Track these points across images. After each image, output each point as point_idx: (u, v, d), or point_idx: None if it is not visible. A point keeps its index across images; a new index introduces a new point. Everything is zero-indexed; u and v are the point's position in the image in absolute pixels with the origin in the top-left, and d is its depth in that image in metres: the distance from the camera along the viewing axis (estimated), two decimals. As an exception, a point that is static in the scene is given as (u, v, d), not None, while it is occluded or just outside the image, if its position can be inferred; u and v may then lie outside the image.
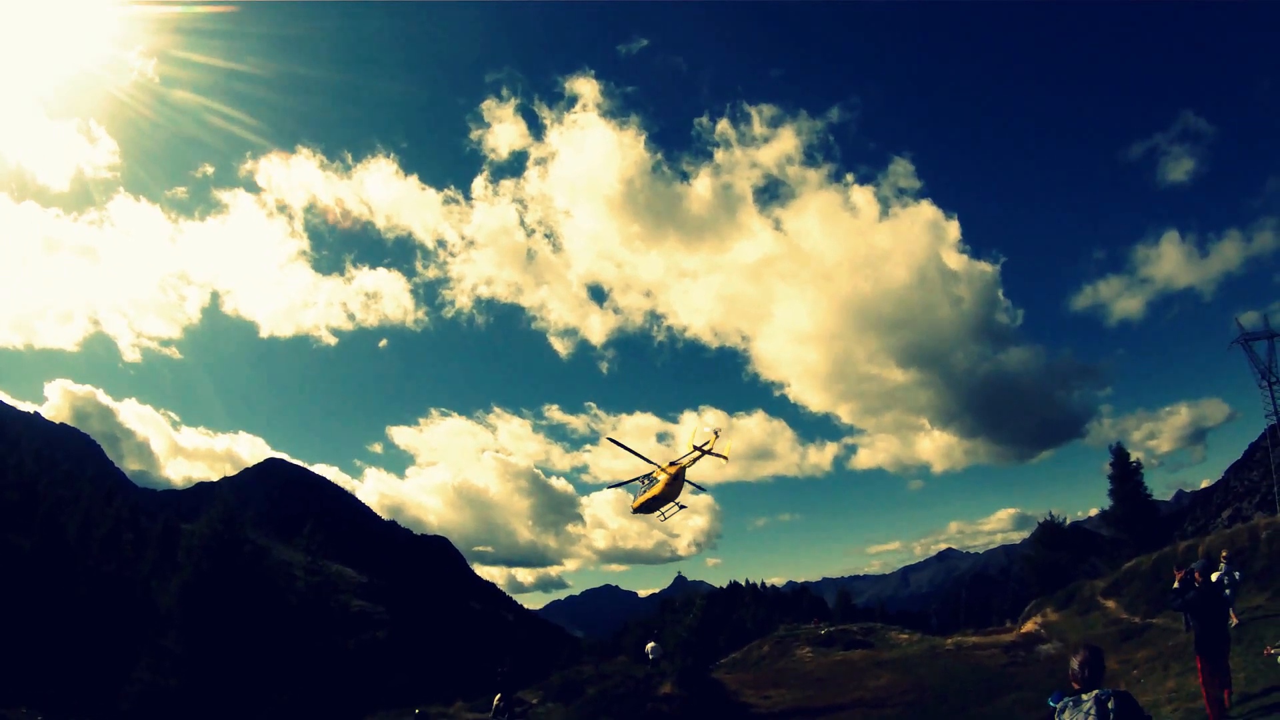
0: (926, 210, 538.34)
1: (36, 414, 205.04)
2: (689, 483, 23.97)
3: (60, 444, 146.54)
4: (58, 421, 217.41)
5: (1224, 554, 25.80)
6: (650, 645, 39.42)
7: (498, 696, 23.71)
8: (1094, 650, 6.16)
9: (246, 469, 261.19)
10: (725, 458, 23.47)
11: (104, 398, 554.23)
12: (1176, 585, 16.30)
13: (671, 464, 23.66)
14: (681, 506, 24.25)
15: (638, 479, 24.38)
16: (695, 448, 23.22)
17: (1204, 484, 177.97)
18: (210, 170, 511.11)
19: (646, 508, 24.20)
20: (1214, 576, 20.23)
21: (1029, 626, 40.91)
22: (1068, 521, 64.44)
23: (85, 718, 25.32)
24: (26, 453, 56.69)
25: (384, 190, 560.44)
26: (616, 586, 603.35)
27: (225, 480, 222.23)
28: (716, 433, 23.39)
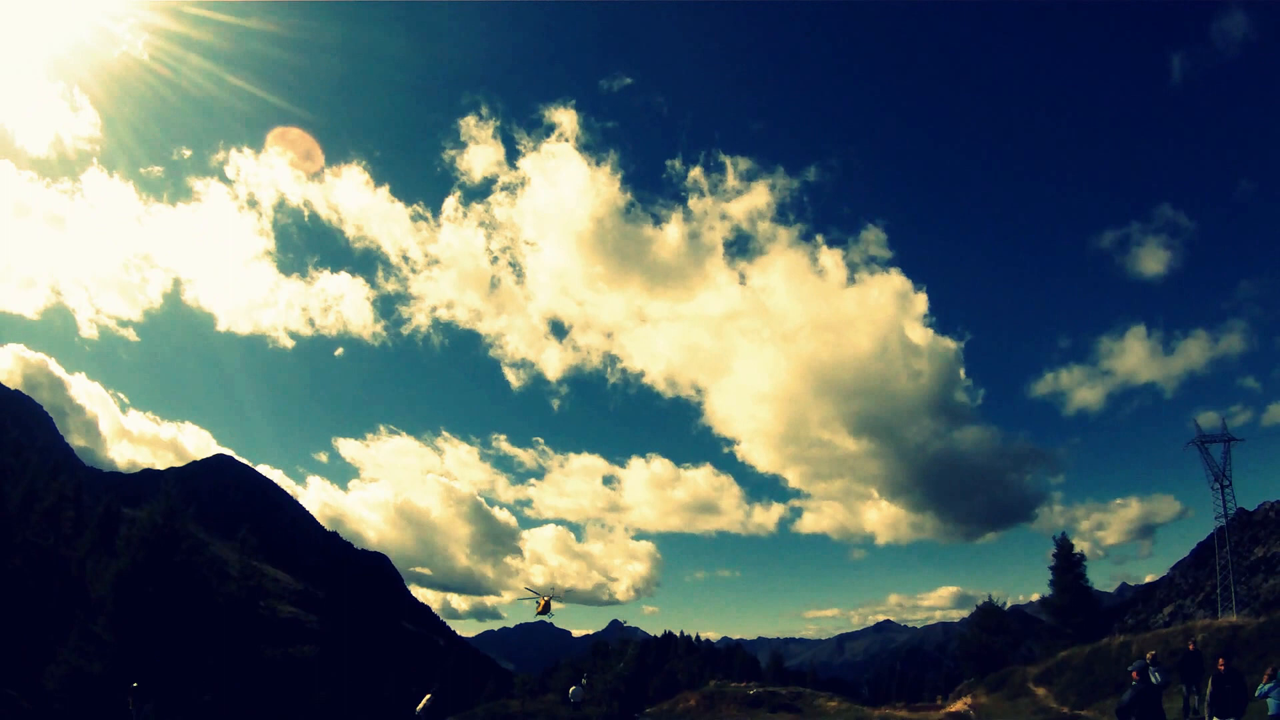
0: (895, 280, 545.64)
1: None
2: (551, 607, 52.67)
3: (9, 410, 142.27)
4: (11, 387, 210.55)
5: (1150, 654, 26.12)
6: (572, 689, 39.04)
7: None
8: None
9: (194, 461, 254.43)
10: (559, 599, 54.18)
11: (56, 368, 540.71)
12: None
13: (545, 597, 52.03)
14: (550, 619, 55.31)
15: (535, 593, 53.01)
16: (546, 600, 51.91)
17: (1148, 579, 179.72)
18: (187, 154, 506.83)
19: (543, 613, 52.57)
20: (1154, 678, 20.35)
21: (958, 706, 41.22)
22: (1008, 604, 65.35)
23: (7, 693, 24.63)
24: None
25: (354, 198, 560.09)
26: (551, 623, 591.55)
27: (172, 471, 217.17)
28: (554, 588, 54.04)
